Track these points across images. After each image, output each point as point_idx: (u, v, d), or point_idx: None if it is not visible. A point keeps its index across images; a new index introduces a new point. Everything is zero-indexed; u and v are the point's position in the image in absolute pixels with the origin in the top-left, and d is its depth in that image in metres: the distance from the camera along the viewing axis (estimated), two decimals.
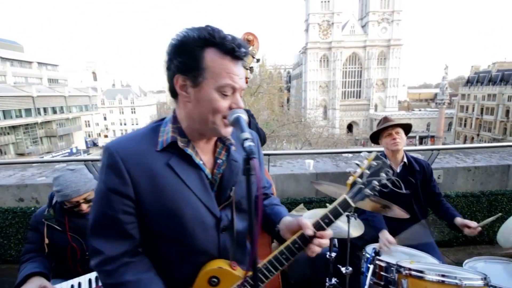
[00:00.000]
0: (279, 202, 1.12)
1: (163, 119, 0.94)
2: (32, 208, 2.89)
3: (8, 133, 33.03)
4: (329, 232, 0.87)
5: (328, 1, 57.74)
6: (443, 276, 1.25)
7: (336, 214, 0.88)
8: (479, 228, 1.87)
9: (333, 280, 1.99)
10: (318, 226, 0.87)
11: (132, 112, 66.59)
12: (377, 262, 1.56)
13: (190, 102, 0.83)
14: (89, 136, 57.57)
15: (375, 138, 2.24)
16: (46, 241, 1.65)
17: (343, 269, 1.91)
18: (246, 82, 2.04)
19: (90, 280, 1.62)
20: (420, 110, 59.80)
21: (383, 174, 0.91)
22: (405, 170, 2.19)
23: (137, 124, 66.25)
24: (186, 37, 0.80)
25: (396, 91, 59.84)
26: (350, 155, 3.67)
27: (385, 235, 1.89)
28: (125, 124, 66.34)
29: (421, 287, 1.27)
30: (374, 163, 0.91)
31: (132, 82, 71.80)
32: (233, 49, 0.79)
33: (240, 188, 0.95)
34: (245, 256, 1.02)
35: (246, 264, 0.96)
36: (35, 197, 2.99)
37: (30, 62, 42.59)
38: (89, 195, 1.68)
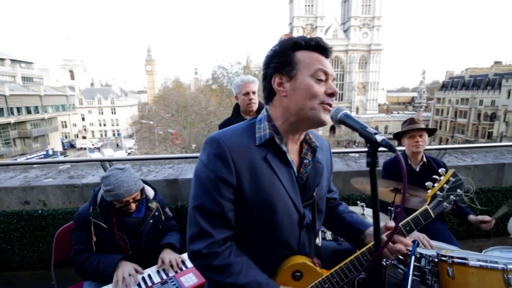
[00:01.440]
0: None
1: (255, 117, 0.97)
2: (39, 211, 2.76)
3: None
4: (409, 241, 0.94)
5: (312, 5, 59.02)
6: (485, 262, 1.34)
7: (417, 223, 0.97)
8: (494, 221, 2.01)
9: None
10: (399, 232, 0.94)
11: (112, 113, 64.37)
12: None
13: (287, 96, 0.89)
14: (66, 137, 54.91)
15: (399, 137, 2.34)
16: (94, 239, 1.62)
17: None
18: None
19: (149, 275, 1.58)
20: (398, 113, 62.41)
21: (459, 190, 1.00)
22: (424, 170, 2.30)
23: (117, 125, 64.15)
24: (278, 46, 0.91)
25: (376, 94, 62.03)
26: (357, 154, 3.79)
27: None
28: (104, 125, 64.02)
29: (467, 273, 1.34)
30: (452, 179, 0.99)
31: (112, 81, 69.32)
32: (318, 44, 0.89)
33: (320, 189, 1.00)
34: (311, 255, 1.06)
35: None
36: (42, 200, 2.85)
37: (3, 59, 40.14)
38: (138, 195, 1.68)
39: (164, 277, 1.50)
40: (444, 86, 53.61)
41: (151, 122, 41.16)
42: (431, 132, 2.28)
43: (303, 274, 0.93)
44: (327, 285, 0.94)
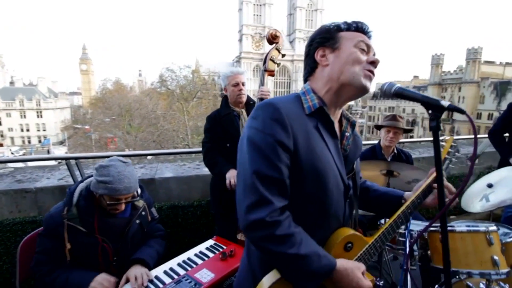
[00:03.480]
0: None
1: (295, 93, 0.98)
2: None
3: None
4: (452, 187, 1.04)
5: (260, 15, 61.18)
6: (469, 227, 1.56)
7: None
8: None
9: None
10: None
11: (38, 116, 56.11)
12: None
13: (329, 65, 0.92)
14: None
15: (379, 128, 2.64)
16: (68, 246, 1.37)
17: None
18: (273, 75, 2.11)
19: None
20: None
21: (457, 154, 1.16)
22: (395, 159, 2.60)
23: (44, 130, 56.13)
24: (326, 26, 0.95)
25: None
26: None
27: None
28: (27, 131, 55.40)
29: (457, 238, 1.54)
30: (454, 144, 1.15)
31: (39, 81, 60.52)
32: (358, 25, 0.94)
33: (357, 162, 1.06)
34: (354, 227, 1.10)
35: None
36: None
37: None
38: (132, 195, 1.48)
39: (175, 276, 1.36)
40: (375, 96, 60.79)
41: (87, 127, 37.12)
42: (406, 130, 2.61)
43: (354, 244, 0.96)
44: (372, 251, 0.97)
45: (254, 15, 60.88)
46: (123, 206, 1.45)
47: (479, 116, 45.75)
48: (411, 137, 50.10)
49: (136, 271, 1.37)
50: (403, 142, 4.88)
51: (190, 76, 32.27)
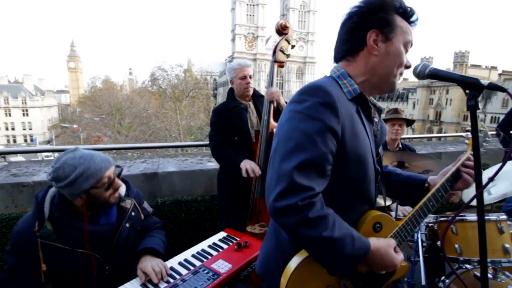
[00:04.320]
0: None
1: (327, 76, 0.95)
2: None
3: None
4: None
5: (253, 15, 61.18)
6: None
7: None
8: (461, 192, 2.41)
9: None
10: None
11: (24, 115, 54.50)
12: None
13: (378, 56, 0.88)
14: None
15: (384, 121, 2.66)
16: (44, 268, 1.17)
17: None
18: (283, 66, 2.10)
19: None
20: None
21: (488, 138, 1.16)
22: None
23: (30, 129, 54.53)
24: (382, 1, 0.88)
25: None
26: None
27: None
28: (13, 129, 53.74)
29: (468, 228, 1.57)
30: (483, 129, 1.15)
31: (25, 78, 58.81)
32: (412, 16, 0.91)
33: (380, 148, 1.05)
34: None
35: None
36: None
37: None
38: (114, 174, 1.27)
39: (191, 267, 1.32)
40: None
41: (75, 126, 36.30)
42: (409, 122, 2.62)
43: (383, 225, 0.95)
44: (403, 233, 0.97)
45: (247, 15, 60.84)
46: (119, 182, 1.31)
47: (465, 118, 47.02)
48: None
49: (152, 263, 1.27)
50: (404, 138, 5.00)
51: (182, 75, 31.98)
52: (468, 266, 1.58)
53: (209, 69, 40.75)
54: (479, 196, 0.83)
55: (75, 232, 1.22)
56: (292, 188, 0.75)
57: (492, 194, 2.18)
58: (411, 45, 0.91)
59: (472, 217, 1.59)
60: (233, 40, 61.48)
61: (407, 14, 0.90)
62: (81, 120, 34.01)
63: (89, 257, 1.25)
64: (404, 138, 3.95)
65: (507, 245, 1.50)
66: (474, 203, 2.36)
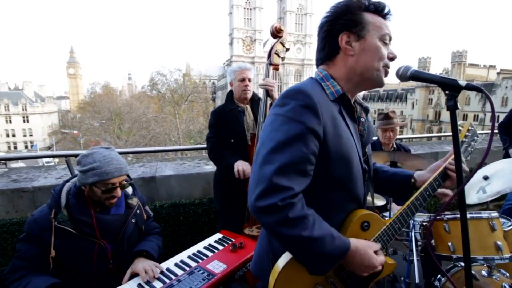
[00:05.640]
0: None
1: (311, 78, 0.98)
2: None
3: None
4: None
5: (250, 19, 61.51)
6: (472, 214, 1.60)
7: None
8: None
9: None
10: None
11: (24, 121, 54.58)
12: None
13: (354, 56, 0.91)
14: None
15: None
16: (53, 253, 1.26)
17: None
18: (278, 69, 2.13)
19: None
20: None
21: (476, 137, 1.18)
22: None
23: (31, 135, 54.56)
24: (348, 4, 0.90)
25: None
26: None
27: None
28: (13, 136, 53.77)
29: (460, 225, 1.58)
30: (471, 128, 1.17)
31: (25, 85, 58.98)
32: (383, 10, 0.93)
33: (369, 146, 1.08)
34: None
35: None
36: None
37: None
38: (125, 179, 1.41)
39: (187, 268, 1.35)
40: (364, 98, 59.63)
41: (75, 132, 36.35)
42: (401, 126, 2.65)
43: (370, 224, 0.97)
44: (391, 232, 0.99)
45: (245, 18, 61.17)
46: (119, 192, 1.37)
47: (465, 117, 47.04)
48: (400, 139, 51.17)
49: (144, 264, 1.33)
50: (400, 139, 5.02)
51: (181, 79, 32.08)
52: (462, 264, 1.60)
53: (208, 73, 40.82)
54: (461, 194, 0.85)
55: (86, 219, 1.33)
56: (272, 189, 0.77)
57: (487, 192, 2.21)
58: (390, 37, 0.93)
59: (468, 215, 1.61)
60: (231, 44, 61.77)
61: (377, 9, 0.92)
62: (81, 126, 34.08)
63: (99, 246, 1.34)
64: (401, 138, 3.98)
65: (499, 242, 1.52)
66: (472, 201, 2.35)
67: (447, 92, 0.82)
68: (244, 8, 61.97)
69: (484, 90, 0.77)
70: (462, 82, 0.79)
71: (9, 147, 52.58)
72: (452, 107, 0.80)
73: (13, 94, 55.18)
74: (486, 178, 2.34)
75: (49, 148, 50.23)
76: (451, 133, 0.84)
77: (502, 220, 2.00)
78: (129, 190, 1.55)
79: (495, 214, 1.60)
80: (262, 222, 0.80)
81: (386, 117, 2.56)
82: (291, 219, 0.77)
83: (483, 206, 2.79)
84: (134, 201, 1.51)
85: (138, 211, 1.51)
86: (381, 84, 0.94)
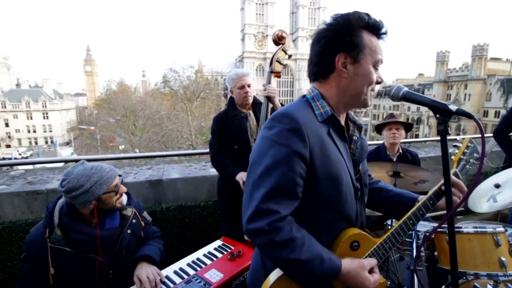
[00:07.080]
0: None
1: (303, 96, 0.98)
2: None
3: None
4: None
5: (262, 14, 61.12)
6: (476, 228, 1.55)
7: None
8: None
9: None
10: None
11: (44, 118, 56.79)
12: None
13: (347, 78, 0.91)
14: None
15: (379, 129, 2.60)
16: (52, 271, 1.29)
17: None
18: (280, 77, 2.13)
19: None
20: None
21: (475, 154, 1.15)
22: (401, 159, 2.58)
23: (50, 131, 56.78)
24: (349, 20, 0.89)
25: None
26: None
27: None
28: (34, 132, 56.09)
29: (464, 239, 1.54)
30: (470, 145, 1.14)
31: (44, 82, 61.21)
32: (381, 31, 0.92)
33: (363, 164, 1.07)
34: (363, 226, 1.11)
35: None
36: None
37: None
38: (118, 182, 1.42)
39: (185, 276, 1.39)
40: (379, 94, 60.37)
41: (92, 128, 37.46)
42: (408, 127, 2.58)
43: (360, 243, 0.97)
44: (381, 252, 0.99)
45: (257, 14, 60.85)
46: (124, 188, 1.44)
47: (485, 114, 45.20)
48: (417, 136, 49.77)
49: (147, 271, 1.36)
50: (409, 142, 4.88)
51: (193, 76, 32.34)
52: (469, 277, 1.56)
53: (220, 70, 40.94)
54: (450, 221, 0.84)
55: (83, 237, 1.33)
56: (260, 212, 0.81)
57: (498, 201, 2.13)
58: (381, 62, 0.93)
59: (468, 229, 1.57)
60: (242, 39, 61.65)
61: (375, 28, 0.91)
62: (97, 122, 35.06)
63: (97, 261, 1.36)
64: (407, 142, 3.88)
65: (503, 258, 1.47)
66: (482, 210, 2.28)
67: (437, 115, 0.80)
68: (256, 3, 61.58)
69: (475, 117, 0.76)
70: (453, 107, 0.78)
71: (30, 143, 54.95)
72: (442, 132, 0.78)
73: (33, 92, 57.43)
74: (497, 186, 2.25)
75: (67, 143, 52.16)
76: (455, 137, 0.83)
77: (509, 230, 1.93)
78: (124, 200, 1.51)
79: (500, 228, 1.55)
80: (253, 242, 0.86)
81: (390, 116, 2.56)
82: (277, 242, 0.81)
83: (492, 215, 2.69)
84: (129, 211, 1.50)
85: (134, 221, 1.50)
86: (366, 106, 0.96)
